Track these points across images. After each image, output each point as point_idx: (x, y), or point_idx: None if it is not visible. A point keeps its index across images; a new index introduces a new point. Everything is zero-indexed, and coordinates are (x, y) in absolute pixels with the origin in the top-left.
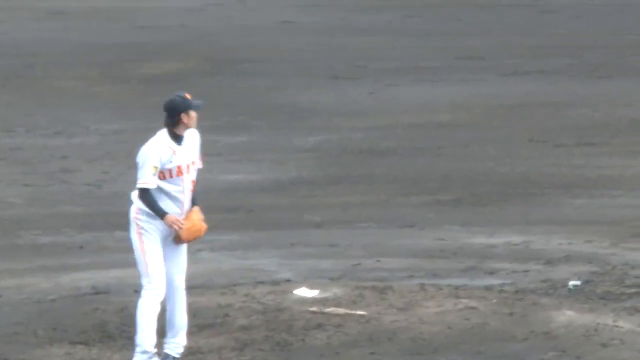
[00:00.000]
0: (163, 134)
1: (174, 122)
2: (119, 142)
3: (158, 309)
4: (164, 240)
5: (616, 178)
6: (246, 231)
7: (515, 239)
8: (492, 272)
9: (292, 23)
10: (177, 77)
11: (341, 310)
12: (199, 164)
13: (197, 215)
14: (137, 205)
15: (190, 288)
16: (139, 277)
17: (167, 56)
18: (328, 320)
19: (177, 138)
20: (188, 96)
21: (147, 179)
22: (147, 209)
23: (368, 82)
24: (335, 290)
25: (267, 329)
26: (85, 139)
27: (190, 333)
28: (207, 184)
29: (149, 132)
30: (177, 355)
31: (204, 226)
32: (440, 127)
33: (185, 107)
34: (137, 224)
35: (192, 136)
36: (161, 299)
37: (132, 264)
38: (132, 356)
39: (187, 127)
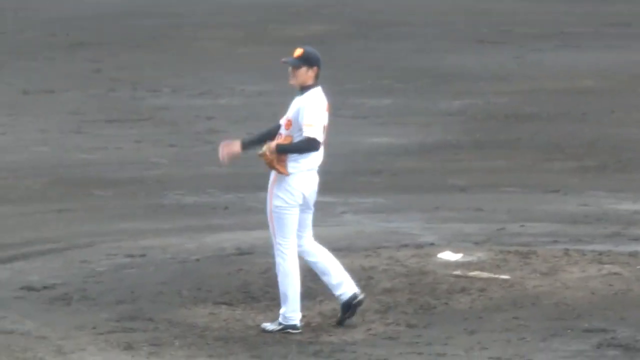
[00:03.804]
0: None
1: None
2: (264, 103)
3: None
4: None
5: None
6: (390, 194)
7: None
8: (636, 239)
9: None
10: (321, 39)
11: (485, 275)
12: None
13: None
14: None
15: (334, 250)
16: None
17: (312, 18)
18: (471, 284)
19: None
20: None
21: None
22: None
23: (513, 47)
24: (479, 255)
25: (411, 292)
26: (231, 100)
27: (334, 295)
28: (351, 146)
29: (293, 94)
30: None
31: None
32: (585, 92)
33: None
34: None
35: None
36: None
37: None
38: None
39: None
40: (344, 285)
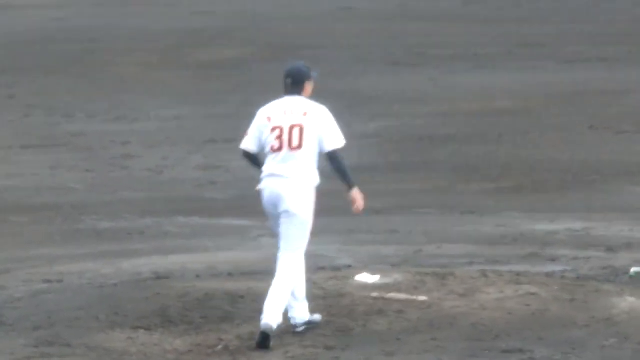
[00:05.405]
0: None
1: (300, 90)
2: (179, 127)
3: None
4: None
5: None
6: None
7: (576, 225)
8: (553, 259)
9: (351, 9)
10: (236, 63)
11: (402, 296)
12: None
13: None
14: (312, 181)
15: (252, 274)
16: (292, 245)
17: (226, 42)
18: (389, 306)
19: None
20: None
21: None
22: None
23: (427, 69)
24: (396, 276)
25: (329, 315)
26: (146, 125)
27: (252, 318)
28: None
29: (209, 118)
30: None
31: None
32: (500, 114)
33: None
34: (312, 199)
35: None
36: None
37: (193, 249)
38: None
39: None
40: (266, 313)
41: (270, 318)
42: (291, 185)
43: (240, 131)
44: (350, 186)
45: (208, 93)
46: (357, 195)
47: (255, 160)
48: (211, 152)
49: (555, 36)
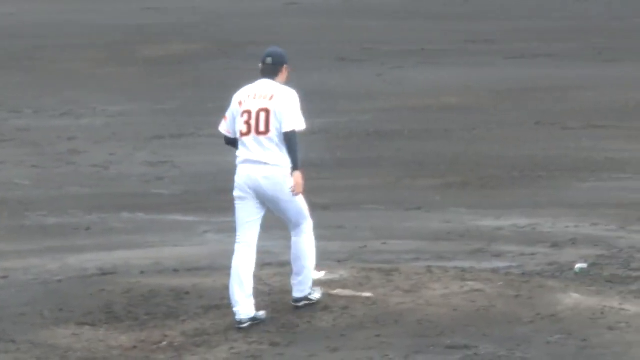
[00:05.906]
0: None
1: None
2: (126, 123)
3: None
4: None
5: (624, 161)
6: None
7: (522, 221)
8: (498, 255)
9: (297, 5)
10: (183, 59)
11: (347, 292)
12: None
13: None
14: (286, 164)
15: (197, 270)
16: (295, 222)
17: (173, 38)
18: (334, 302)
19: None
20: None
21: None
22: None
23: (375, 65)
24: (341, 272)
25: (274, 311)
26: (93, 120)
27: (196, 314)
28: (214, 166)
29: (156, 114)
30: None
31: None
32: (448, 110)
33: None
34: (288, 179)
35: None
36: None
37: (138, 245)
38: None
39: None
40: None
41: (294, 292)
42: (266, 171)
43: (188, 127)
44: (294, 168)
45: (155, 89)
46: (297, 178)
47: (235, 143)
48: (158, 148)
49: (503, 32)
